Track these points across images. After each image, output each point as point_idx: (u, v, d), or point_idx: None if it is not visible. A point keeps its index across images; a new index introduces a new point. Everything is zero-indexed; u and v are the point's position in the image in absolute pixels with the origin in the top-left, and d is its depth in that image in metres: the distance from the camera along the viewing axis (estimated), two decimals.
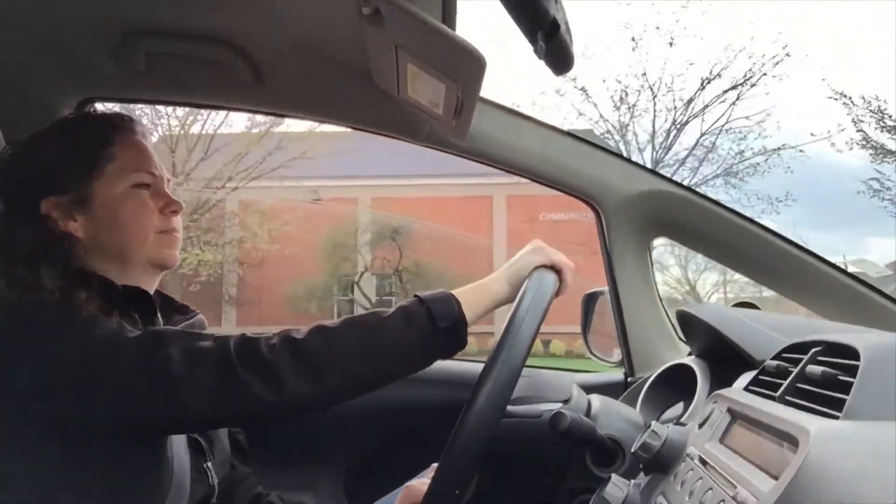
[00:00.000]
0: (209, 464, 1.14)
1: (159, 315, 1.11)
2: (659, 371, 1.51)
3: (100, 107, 1.62)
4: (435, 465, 1.00)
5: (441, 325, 0.99)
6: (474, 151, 1.61)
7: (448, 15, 1.06)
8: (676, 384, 1.43)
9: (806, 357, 0.79)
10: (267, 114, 1.64)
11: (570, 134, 1.68)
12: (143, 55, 1.35)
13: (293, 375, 0.92)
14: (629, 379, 1.74)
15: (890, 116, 14.77)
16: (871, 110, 14.90)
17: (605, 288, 1.82)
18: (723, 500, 0.67)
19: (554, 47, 0.88)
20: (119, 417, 0.92)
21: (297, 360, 0.92)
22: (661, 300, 1.76)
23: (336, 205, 15.63)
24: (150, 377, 0.90)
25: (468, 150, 1.60)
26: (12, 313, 0.95)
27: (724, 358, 1.22)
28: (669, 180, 1.69)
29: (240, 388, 0.91)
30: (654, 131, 16.39)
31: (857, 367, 0.68)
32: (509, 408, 1.19)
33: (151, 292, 1.12)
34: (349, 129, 1.62)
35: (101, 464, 0.94)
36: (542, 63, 0.91)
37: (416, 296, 1.04)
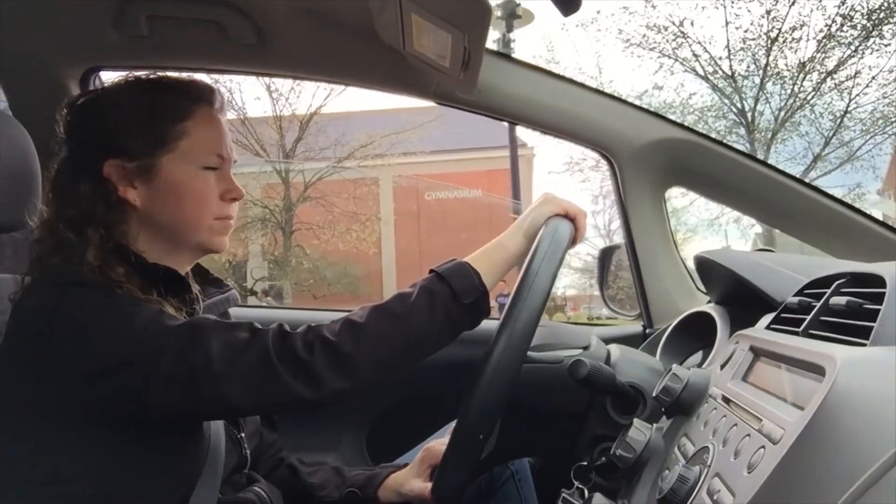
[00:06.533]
0: (242, 435, 1.14)
1: (196, 293, 1.09)
2: (678, 320, 1.49)
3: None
4: (452, 424, 1.00)
5: (464, 301, 0.98)
6: (483, 105, 1.58)
7: None
8: (696, 333, 1.42)
9: (829, 290, 0.78)
10: (272, 75, 1.61)
11: (580, 84, 1.64)
12: (143, 18, 1.34)
13: (329, 374, 0.92)
14: (647, 331, 1.73)
15: None
16: None
17: (622, 242, 1.81)
18: (748, 435, 0.65)
19: None
20: (154, 405, 0.90)
21: (332, 359, 0.92)
22: (678, 250, 1.74)
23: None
24: (188, 369, 0.88)
25: (477, 104, 1.57)
26: (53, 286, 0.93)
27: (745, 303, 1.20)
28: (683, 127, 1.66)
29: (278, 384, 0.90)
30: None
31: (882, 294, 0.66)
32: (529, 353, 1.18)
33: (187, 270, 1.10)
34: None
35: (140, 435, 0.94)
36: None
37: (432, 271, 1.01)
